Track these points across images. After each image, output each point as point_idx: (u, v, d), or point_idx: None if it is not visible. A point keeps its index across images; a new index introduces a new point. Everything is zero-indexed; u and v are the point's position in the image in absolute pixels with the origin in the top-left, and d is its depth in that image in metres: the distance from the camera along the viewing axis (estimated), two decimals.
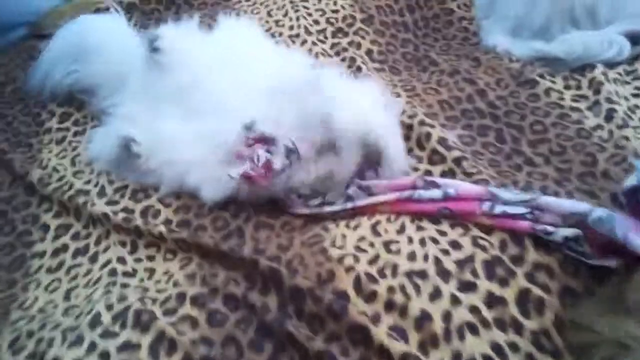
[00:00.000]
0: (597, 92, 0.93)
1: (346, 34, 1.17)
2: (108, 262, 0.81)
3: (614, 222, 0.63)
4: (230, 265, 0.75)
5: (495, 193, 0.73)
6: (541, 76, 0.99)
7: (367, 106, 0.82)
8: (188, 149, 0.84)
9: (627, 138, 0.83)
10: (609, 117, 0.87)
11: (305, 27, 1.18)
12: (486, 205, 0.73)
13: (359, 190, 0.81)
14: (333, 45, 1.14)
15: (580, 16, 1.04)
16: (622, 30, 0.99)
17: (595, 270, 0.66)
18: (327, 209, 0.81)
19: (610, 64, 0.97)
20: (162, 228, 0.81)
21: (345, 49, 1.13)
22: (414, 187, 0.78)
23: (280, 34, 1.18)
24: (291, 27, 1.19)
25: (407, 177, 0.82)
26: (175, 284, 0.74)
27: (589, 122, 0.89)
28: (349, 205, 0.80)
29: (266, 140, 0.80)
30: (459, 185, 0.76)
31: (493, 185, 0.76)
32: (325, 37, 1.17)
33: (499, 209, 0.72)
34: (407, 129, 0.89)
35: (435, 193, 0.76)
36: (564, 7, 1.04)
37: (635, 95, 0.92)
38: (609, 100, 0.90)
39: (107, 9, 1.31)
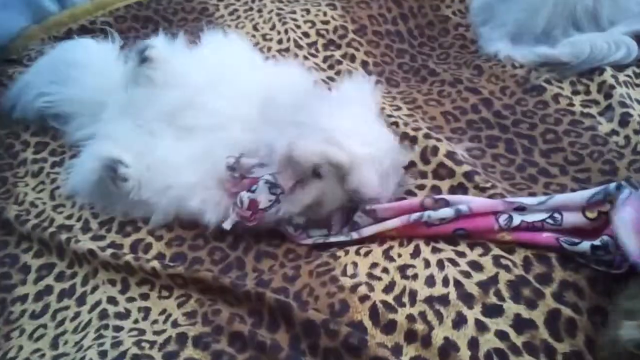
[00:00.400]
0: (608, 96, 0.94)
1: (339, 46, 1.17)
2: (97, 303, 0.79)
3: None
4: (233, 300, 0.73)
5: (510, 200, 0.73)
6: (548, 82, 1.00)
7: (340, 132, 0.79)
8: (187, 171, 0.83)
9: None
10: (624, 122, 0.88)
11: (295, 41, 1.18)
12: (503, 219, 0.72)
13: (364, 216, 0.80)
14: (326, 59, 1.14)
15: (583, 18, 1.06)
16: (627, 30, 1.01)
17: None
18: (333, 239, 0.80)
19: (619, 66, 0.99)
20: (156, 263, 0.79)
21: (339, 62, 1.13)
22: (422, 207, 0.77)
23: (269, 49, 1.18)
24: (280, 41, 1.19)
25: (414, 198, 0.81)
26: (174, 324, 0.72)
27: (603, 127, 0.90)
28: (355, 235, 0.79)
29: (250, 179, 0.80)
30: (471, 201, 0.76)
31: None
32: (317, 50, 1.17)
33: (517, 219, 0.71)
34: (411, 141, 0.89)
35: (447, 212, 0.75)
36: (565, 9, 1.06)
37: None
38: (622, 104, 0.91)
39: (79, 31, 1.31)
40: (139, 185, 0.85)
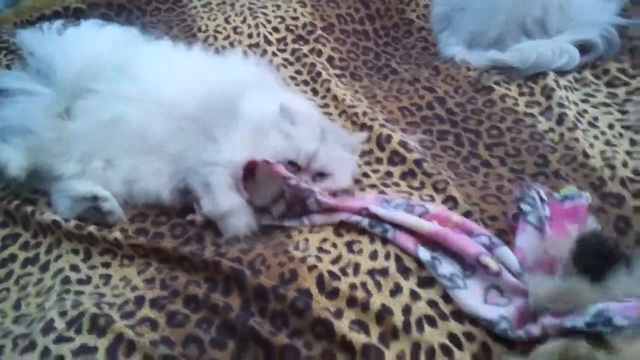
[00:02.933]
0: (549, 97, 1.04)
1: (307, 42, 1.25)
2: (60, 270, 0.84)
3: None
4: (190, 268, 0.79)
5: (424, 259, 0.76)
6: (497, 83, 1.10)
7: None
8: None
9: (576, 140, 0.93)
10: (560, 120, 0.98)
11: (265, 36, 1.26)
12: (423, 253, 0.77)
13: (315, 204, 0.86)
14: (294, 51, 1.22)
15: (532, 27, 1.16)
16: (572, 39, 1.12)
17: None
18: (287, 223, 0.86)
19: (561, 72, 1.09)
20: (118, 234, 0.85)
21: (305, 55, 1.21)
22: (360, 213, 0.82)
23: (240, 42, 1.25)
24: (250, 35, 1.26)
25: (359, 199, 0.86)
26: (134, 289, 0.78)
27: (542, 125, 1.00)
28: (306, 222, 0.85)
29: None
30: (397, 235, 0.79)
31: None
32: (286, 45, 1.25)
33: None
34: (368, 130, 0.98)
35: (377, 230, 0.80)
36: (517, 20, 1.16)
37: (583, 101, 1.03)
38: (560, 105, 1.00)
39: (52, 16, 1.34)
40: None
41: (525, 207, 0.79)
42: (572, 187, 0.82)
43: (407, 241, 0.78)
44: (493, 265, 0.73)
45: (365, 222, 0.81)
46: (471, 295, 0.73)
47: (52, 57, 0.97)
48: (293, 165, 0.85)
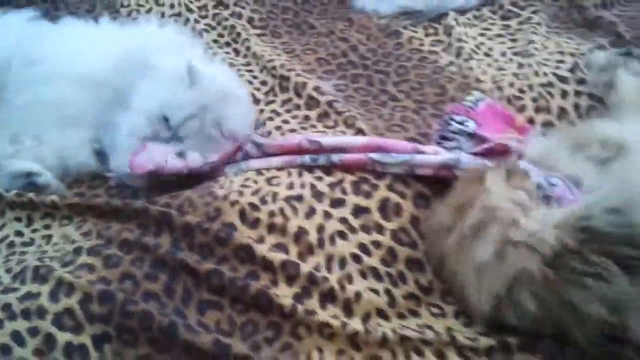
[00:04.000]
0: (449, 35, 1.13)
1: (227, 6, 1.32)
2: (6, 237, 0.89)
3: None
4: (124, 218, 0.86)
5: (376, 159, 0.86)
6: (405, 28, 1.19)
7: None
8: None
9: (471, 68, 1.03)
10: (459, 54, 1.08)
11: (186, 5, 1.31)
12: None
13: (254, 149, 0.94)
14: (214, 16, 1.28)
15: None
16: None
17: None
18: (227, 169, 0.93)
19: (462, 11, 1.18)
20: (54, 197, 0.91)
21: (226, 19, 1.27)
22: (300, 147, 0.90)
23: (163, 15, 1.31)
24: (172, 6, 1.32)
25: (294, 136, 0.95)
26: (72, 242, 0.84)
27: (443, 60, 1.09)
28: (244, 167, 0.93)
29: None
30: (343, 155, 0.87)
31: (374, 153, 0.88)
32: (207, 11, 1.30)
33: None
34: (285, 80, 1.06)
35: (321, 160, 0.88)
36: None
37: (481, 35, 1.13)
38: (459, 40, 1.10)
39: None
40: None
41: (448, 143, 0.89)
42: (476, 92, 0.92)
43: (355, 156, 0.86)
44: (428, 149, 0.86)
45: (306, 158, 0.88)
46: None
47: None
48: (166, 122, 0.92)
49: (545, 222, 0.69)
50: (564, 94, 0.95)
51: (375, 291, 0.76)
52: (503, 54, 1.06)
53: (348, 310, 0.74)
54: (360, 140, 0.89)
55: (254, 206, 0.82)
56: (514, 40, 1.09)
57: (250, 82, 1.12)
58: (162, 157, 0.89)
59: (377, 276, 0.77)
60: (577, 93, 0.95)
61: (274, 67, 1.11)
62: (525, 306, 0.68)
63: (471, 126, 0.88)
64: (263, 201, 0.83)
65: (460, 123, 0.90)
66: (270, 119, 1.03)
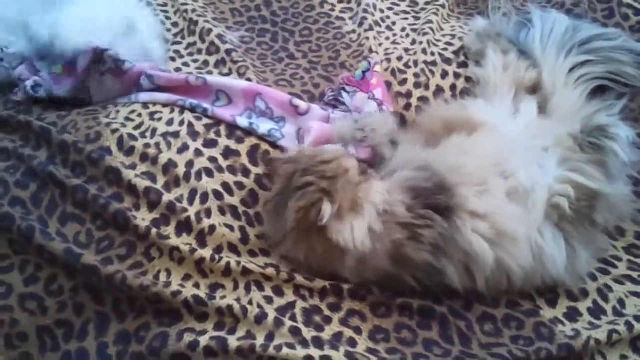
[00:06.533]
0: (359, 4, 1.20)
1: None
2: None
3: None
4: (8, 128, 0.91)
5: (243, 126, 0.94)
6: None
7: None
8: None
9: (367, 39, 1.11)
10: (361, 23, 1.15)
11: None
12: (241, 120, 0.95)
13: (147, 80, 0.99)
14: None
15: None
16: None
17: None
18: (119, 100, 0.99)
19: None
20: None
21: None
22: (187, 82, 0.98)
23: None
24: None
25: (180, 74, 1.01)
26: None
27: (347, 28, 1.17)
28: (133, 98, 0.98)
29: None
30: (216, 110, 0.95)
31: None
32: None
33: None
34: (194, 24, 1.12)
35: (198, 110, 0.95)
36: None
37: (389, 9, 1.20)
38: (365, 11, 1.17)
39: None
40: None
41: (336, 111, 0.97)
42: (362, 63, 1.01)
43: (225, 115, 0.94)
44: (302, 104, 0.95)
45: (187, 102, 0.95)
46: (289, 141, 0.93)
47: None
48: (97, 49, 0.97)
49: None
50: (445, 74, 1.04)
51: (231, 227, 0.84)
52: (403, 29, 1.14)
53: (201, 241, 0.82)
54: (242, 84, 0.97)
55: (132, 137, 0.89)
56: (416, 18, 1.17)
57: (163, 23, 1.16)
58: None
59: (236, 215, 0.86)
60: (456, 75, 1.04)
61: (186, 11, 1.16)
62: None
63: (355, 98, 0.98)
64: (142, 135, 0.89)
65: (348, 93, 0.99)
66: (173, 59, 1.09)
